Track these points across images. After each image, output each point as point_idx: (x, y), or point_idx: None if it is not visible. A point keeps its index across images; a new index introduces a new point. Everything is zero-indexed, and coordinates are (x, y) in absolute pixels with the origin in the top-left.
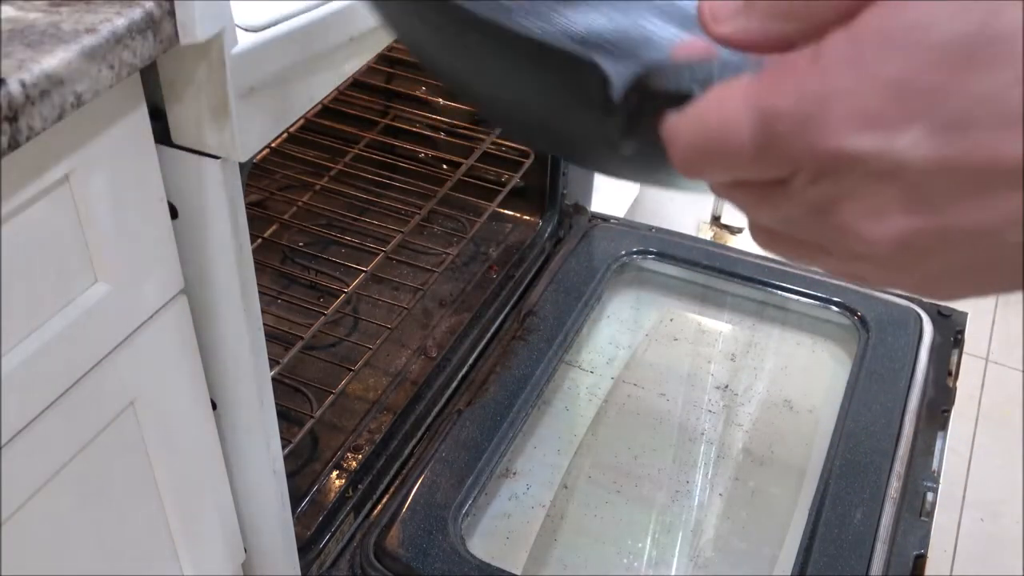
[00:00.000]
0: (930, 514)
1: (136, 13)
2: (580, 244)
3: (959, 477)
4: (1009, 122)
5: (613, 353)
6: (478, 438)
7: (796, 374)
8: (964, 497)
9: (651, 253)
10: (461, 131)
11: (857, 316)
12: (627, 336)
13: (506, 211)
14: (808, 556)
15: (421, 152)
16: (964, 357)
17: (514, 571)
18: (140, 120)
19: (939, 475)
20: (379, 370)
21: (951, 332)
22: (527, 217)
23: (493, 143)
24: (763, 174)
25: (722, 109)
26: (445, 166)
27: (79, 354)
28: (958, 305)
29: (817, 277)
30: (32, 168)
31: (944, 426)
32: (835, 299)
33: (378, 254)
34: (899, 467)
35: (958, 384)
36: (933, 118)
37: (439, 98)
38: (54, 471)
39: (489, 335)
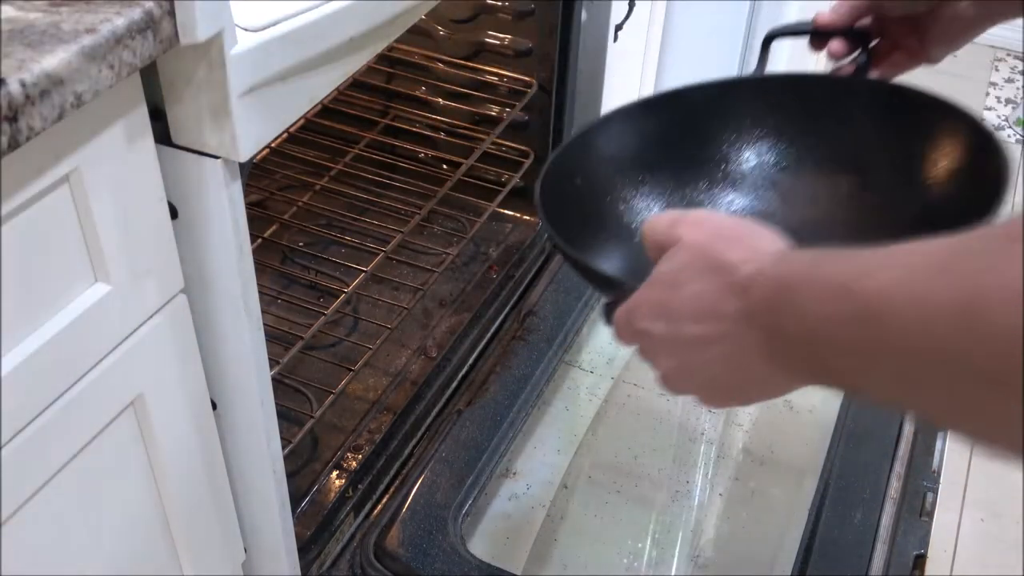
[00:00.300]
0: (930, 514)
1: (136, 13)
2: None
3: (959, 477)
4: (698, 316)
5: (613, 353)
6: (478, 438)
7: None
8: (964, 497)
9: None
10: (461, 131)
11: None
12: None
13: (506, 211)
14: (808, 556)
15: (421, 152)
16: None
17: (514, 571)
18: (140, 120)
19: (939, 475)
20: (379, 370)
21: None
22: (527, 217)
23: (493, 143)
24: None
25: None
26: (445, 166)
27: (79, 354)
28: None
29: None
30: (32, 168)
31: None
32: None
33: (378, 254)
34: (899, 467)
35: None
36: (666, 315)
37: (439, 98)
38: (54, 471)
39: (489, 335)
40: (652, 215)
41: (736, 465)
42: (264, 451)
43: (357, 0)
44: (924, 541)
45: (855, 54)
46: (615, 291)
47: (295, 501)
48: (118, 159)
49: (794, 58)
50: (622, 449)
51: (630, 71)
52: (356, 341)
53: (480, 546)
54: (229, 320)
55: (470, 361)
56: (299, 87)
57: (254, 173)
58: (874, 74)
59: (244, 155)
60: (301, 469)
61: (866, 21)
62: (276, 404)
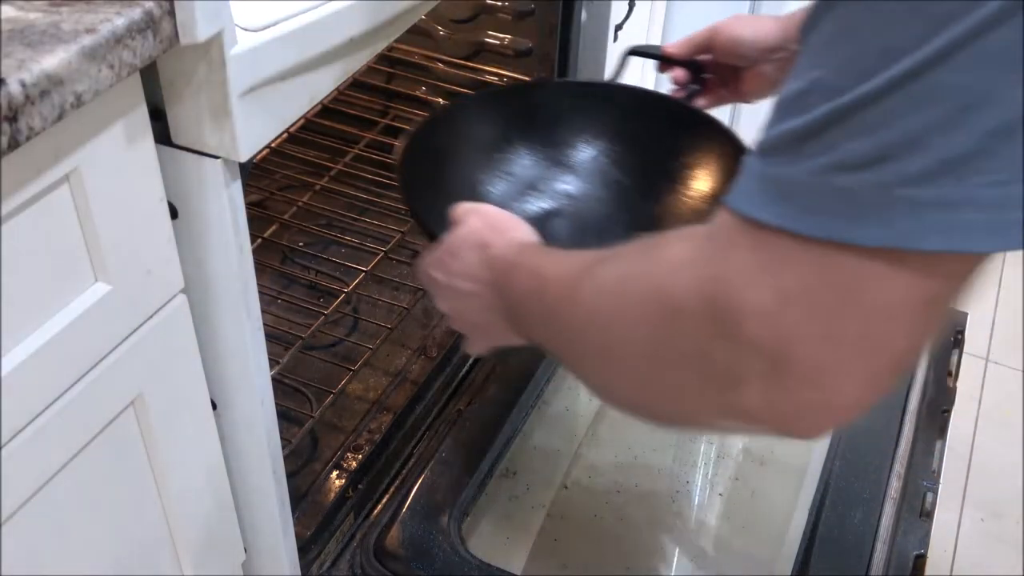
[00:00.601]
0: (930, 514)
1: (136, 13)
2: None
3: (959, 477)
4: (465, 276)
5: None
6: (478, 438)
7: None
8: (964, 497)
9: None
10: None
11: None
12: None
13: None
14: (808, 556)
15: None
16: (964, 357)
17: (514, 571)
18: (140, 120)
19: (939, 475)
20: (379, 370)
21: (951, 332)
22: None
23: None
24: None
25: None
26: None
27: (79, 354)
28: (958, 304)
29: None
30: (32, 168)
31: (944, 426)
32: None
33: (378, 254)
34: (899, 467)
35: (958, 384)
36: (446, 271)
37: (439, 98)
38: (54, 471)
39: None
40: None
41: (736, 465)
42: (264, 451)
43: (357, 0)
44: (924, 541)
45: (690, 83)
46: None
47: (295, 501)
48: (118, 159)
49: None
50: (622, 449)
51: (630, 71)
52: (356, 341)
53: (480, 546)
54: (229, 320)
55: (470, 361)
56: (299, 87)
57: (254, 173)
58: (701, 102)
59: (244, 155)
60: (301, 469)
61: (704, 58)
62: (276, 404)
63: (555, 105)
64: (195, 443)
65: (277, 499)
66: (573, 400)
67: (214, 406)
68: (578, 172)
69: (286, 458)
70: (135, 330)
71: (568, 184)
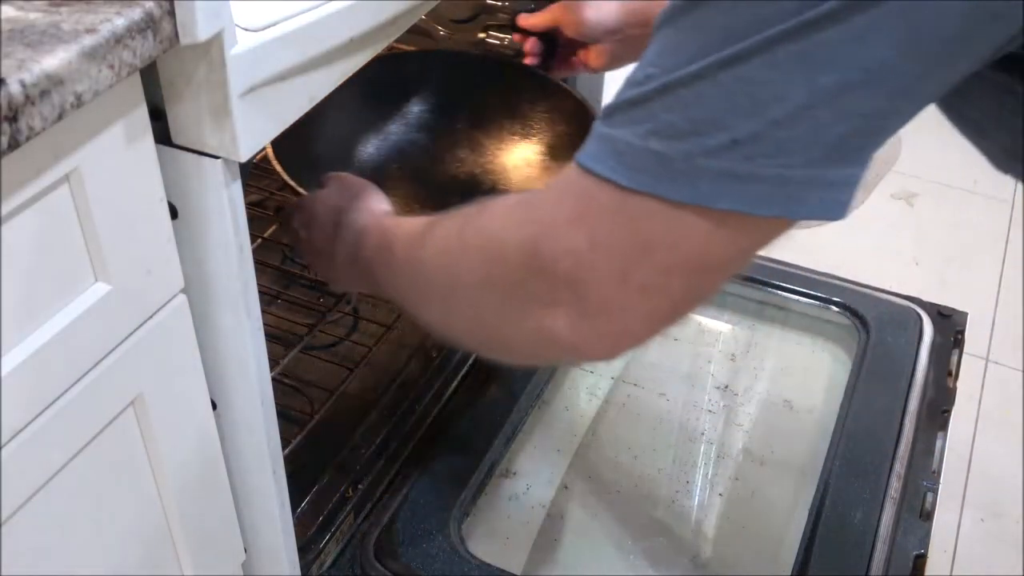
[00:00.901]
0: (930, 514)
1: (136, 13)
2: None
3: (959, 477)
4: (323, 228)
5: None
6: (478, 438)
7: (796, 374)
8: (964, 497)
9: None
10: None
11: (857, 316)
12: None
13: None
14: (808, 556)
15: None
16: (964, 357)
17: (514, 571)
18: (140, 120)
19: (939, 475)
20: (379, 370)
21: (951, 332)
22: None
23: None
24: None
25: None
26: None
27: (79, 354)
28: (958, 305)
29: (817, 277)
30: (32, 168)
31: (944, 426)
32: (835, 299)
33: None
34: (899, 467)
35: (958, 384)
36: (308, 224)
37: None
38: (54, 471)
39: None
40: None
41: (736, 465)
42: (264, 451)
43: (357, 0)
44: (924, 541)
45: (543, 53)
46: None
47: (295, 501)
48: (118, 159)
49: None
50: (622, 449)
51: (630, 71)
52: (356, 341)
53: (480, 546)
54: (229, 320)
55: (470, 361)
56: (299, 87)
57: (254, 173)
58: (556, 72)
59: (244, 155)
60: (301, 469)
61: (557, 28)
62: (276, 404)
63: (426, 73)
64: (195, 443)
65: (277, 499)
66: (573, 400)
67: (214, 406)
68: (437, 134)
69: (286, 458)
70: (135, 330)
71: (423, 144)
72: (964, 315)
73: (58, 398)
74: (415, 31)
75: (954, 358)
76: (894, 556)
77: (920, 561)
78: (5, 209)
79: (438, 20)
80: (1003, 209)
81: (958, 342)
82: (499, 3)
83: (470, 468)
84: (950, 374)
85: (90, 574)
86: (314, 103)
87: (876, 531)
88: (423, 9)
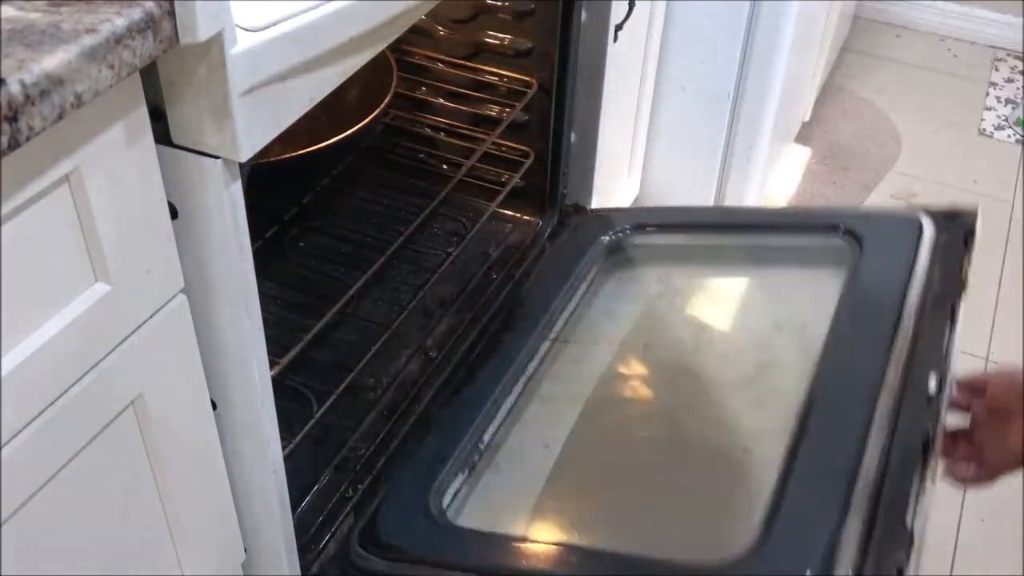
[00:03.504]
0: (933, 399)
1: (136, 13)
2: (569, 233)
3: None
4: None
5: (602, 332)
6: (462, 419)
7: (795, 303)
8: (964, 497)
9: (637, 228)
10: (461, 132)
11: (854, 236)
12: (618, 313)
13: (506, 211)
14: (799, 444)
15: (421, 152)
16: (963, 357)
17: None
18: (140, 120)
19: (949, 361)
20: (379, 370)
21: (960, 232)
22: (527, 217)
23: (493, 143)
24: None
25: None
26: (445, 166)
27: (79, 354)
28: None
29: (810, 211)
30: (32, 168)
31: (953, 316)
32: (827, 224)
33: (378, 254)
34: (897, 357)
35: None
36: None
37: (439, 99)
38: (54, 471)
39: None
40: None
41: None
42: (264, 451)
43: (357, 0)
44: (930, 427)
45: None
46: None
47: (295, 501)
48: (118, 159)
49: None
50: (613, 432)
51: (630, 71)
52: (356, 341)
53: (472, 519)
54: (229, 320)
55: (470, 359)
56: (299, 87)
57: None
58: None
59: (244, 155)
60: (301, 469)
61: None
62: (276, 404)
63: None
64: (195, 443)
65: (277, 499)
66: (564, 384)
67: (214, 406)
68: None
69: (286, 458)
70: (135, 330)
71: None
72: (974, 213)
73: (58, 398)
74: (415, 31)
75: (966, 260)
76: (896, 443)
77: (925, 447)
78: (5, 209)
79: (438, 20)
80: (1003, 209)
81: (968, 243)
82: (499, 3)
83: (451, 448)
84: (960, 270)
85: (90, 574)
86: (314, 103)
87: (871, 419)
88: (423, 9)
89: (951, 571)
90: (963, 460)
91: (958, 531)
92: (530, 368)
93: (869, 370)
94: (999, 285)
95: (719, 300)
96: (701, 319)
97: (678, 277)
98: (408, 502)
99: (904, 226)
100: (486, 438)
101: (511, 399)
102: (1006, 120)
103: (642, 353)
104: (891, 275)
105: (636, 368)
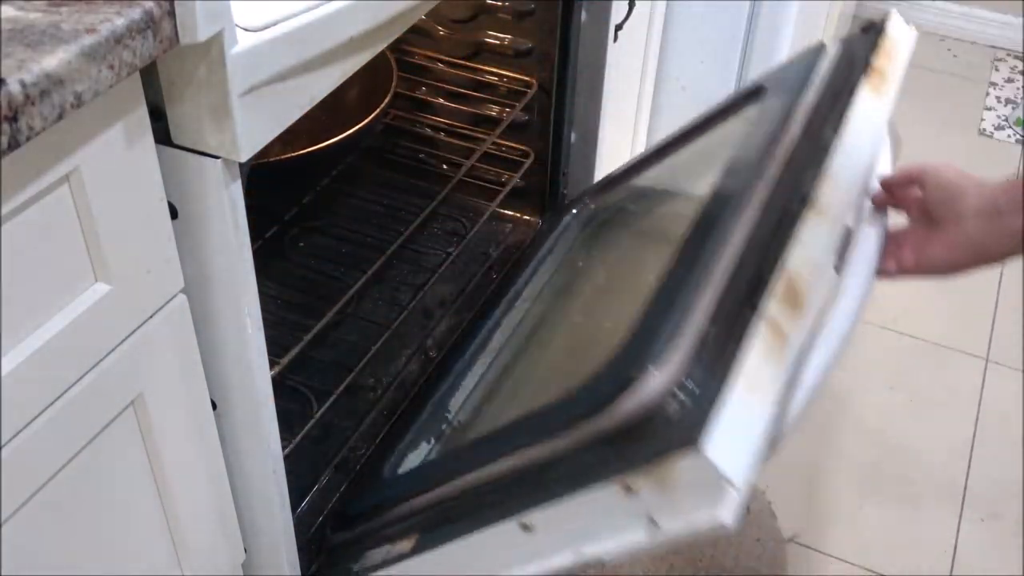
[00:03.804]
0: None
1: (136, 13)
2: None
3: (959, 477)
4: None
5: (556, 283)
6: (424, 395)
7: (721, 157)
8: (964, 497)
9: (597, 193)
10: (461, 132)
11: (770, 84)
12: (580, 265)
13: (506, 211)
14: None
15: (421, 152)
16: (964, 357)
17: None
18: (140, 120)
19: (834, 147)
20: (379, 370)
21: (873, 35)
22: (527, 217)
23: (493, 144)
24: None
25: None
26: (445, 166)
27: (79, 354)
28: (958, 304)
29: None
30: (32, 168)
31: (851, 98)
32: (750, 92)
33: (378, 254)
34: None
35: (958, 384)
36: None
37: (439, 99)
38: (55, 470)
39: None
40: None
41: None
42: (264, 451)
43: (357, 0)
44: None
45: None
46: None
47: (295, 501)
48: (118, 159)
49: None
50: (539, 349)
51: (630, 71)
52: (356, 341)
53: None
54: (229, 320)
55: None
56: (299, 87)
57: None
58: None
59: (244, 155)
60: (301, 469)
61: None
62: (276, 404)
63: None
64: (195, 443)
65: (277, 499)
66: (516, 336)
67: (214, 406)
68: None
69: (286, 458)
70: (135, 330)
71: None
72: (885, 15)
73: (58, 398)
74: (415, 31)
75: (874, 51)
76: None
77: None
78: (5, 209)
79: (438, 20)
80: None
81: (878, 40)
82: (499, 3)
83: (410, 423)
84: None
85: (90, 574)
86: (315, 103)
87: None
88: (423, 9)
89: (951, 571)
90: (888, 253)
91: (958, 531)
92: (495, 338)
93: (748, 178)
94: (999, 285)
95: (668, 202)
96: (644, 229)
97: (634, 206)
98: (366, 474)
99: (806, 53)
100: (452, 407)
101: (479, 369)
102: (1006, 120)
103: (582, 273)
104: (789, 91)
105: (580, 285)
